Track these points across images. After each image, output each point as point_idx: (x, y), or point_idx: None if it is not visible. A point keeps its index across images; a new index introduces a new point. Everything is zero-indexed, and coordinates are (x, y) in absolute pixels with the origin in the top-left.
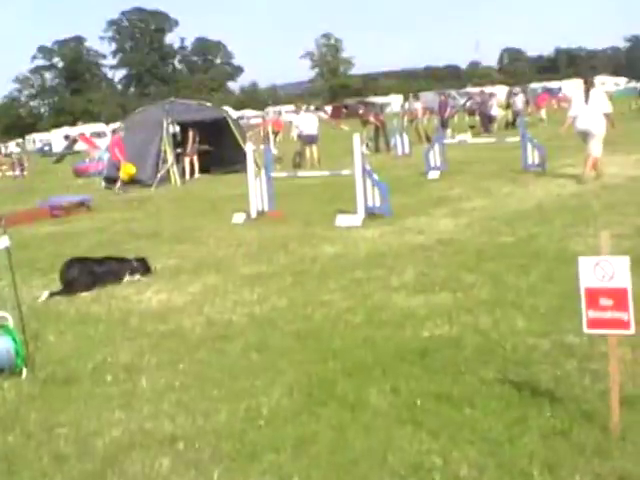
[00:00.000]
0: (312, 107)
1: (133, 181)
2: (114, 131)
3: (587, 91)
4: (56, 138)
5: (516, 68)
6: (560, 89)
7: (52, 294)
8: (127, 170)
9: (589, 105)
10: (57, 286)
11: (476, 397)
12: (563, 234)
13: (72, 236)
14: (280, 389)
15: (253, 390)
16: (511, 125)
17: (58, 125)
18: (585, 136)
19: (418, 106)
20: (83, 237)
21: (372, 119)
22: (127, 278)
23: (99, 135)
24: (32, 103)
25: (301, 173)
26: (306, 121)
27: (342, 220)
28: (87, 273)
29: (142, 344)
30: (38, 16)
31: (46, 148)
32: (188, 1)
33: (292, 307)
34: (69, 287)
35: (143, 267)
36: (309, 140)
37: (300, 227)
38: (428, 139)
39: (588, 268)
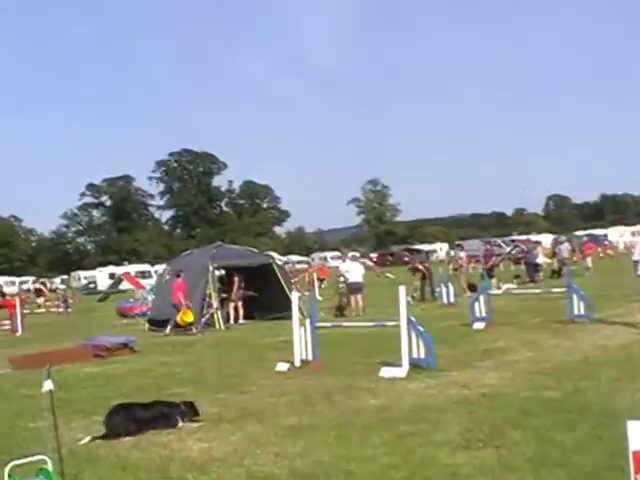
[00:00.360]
0: (357, 254)
1: (177, 325)
2: (178, 275)
3: None
4: (101, 276)
5: (562, 215)
6: (606, 236)
7: (94, 438)
8: (186, 317)
9: None
10: (99, 429)
11: None
12: (610, 389)
13: (114, 378)
14: None
15: None
16: (557, 274)
17: (104, 263)
18: None
19: (462, 255)
20: (125, 380)
21: (420, 267)
22: (181, 424)
23: (144, 275)
24: (79, 240)
25: (346, 323)
26: (352, 269)
27: (386, 372)
28: (131, 420)
29: None
30: (88, 154)
31: (91, 285)
32: (236, 144)
33: (335, 461)
34: (111, 433)
35: (191, 411)
36: (355, 288)
37: (344, 378)
38: (472, 288)
39: (637, 431)
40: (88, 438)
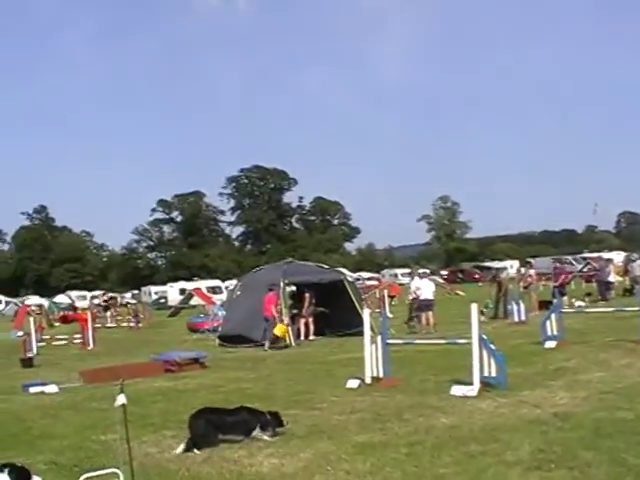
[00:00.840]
0: (427, 271)
1: (246, 340)
2: (271, 289)
3: None
4: (172, 291)
5: (633, 232)
6: None
7: (186, 450)
8: (282, 330)
9: None
10: (170, 444)
11: None
12: None
13: (184, 393)
14: None
15: None
16: (629, 292)
17: (174, 278)
18: None
19: (532, 272)
20: (195, 395)
21: (503, 282)
22: (257, 432)
23: (215, 290)
24: (149, 255)
25: (417, 340)
26: (423, 286)
27: (457, 390)
28: (214, 426)
29: None
30: (159, 170)
31: (162, 300)
32: (307, 160)
33: None
34: (195, 441)
35: (276, 421)
36: (426, 305)
37: (415, 395)
38: (543, 306)
39: None
40: (180, 449)
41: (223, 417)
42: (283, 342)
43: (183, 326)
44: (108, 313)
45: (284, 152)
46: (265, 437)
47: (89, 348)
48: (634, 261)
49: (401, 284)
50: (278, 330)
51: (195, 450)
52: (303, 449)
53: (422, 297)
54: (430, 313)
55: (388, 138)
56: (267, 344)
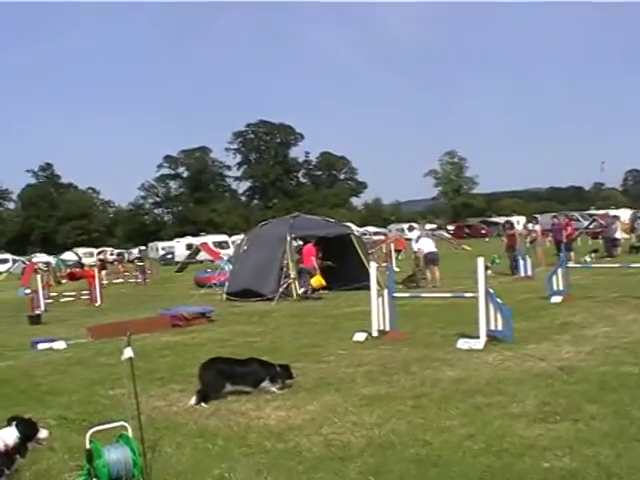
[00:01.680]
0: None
1: (254, 295)
2: (307, 241)
3: None
4: (179, 247)
5: None
6: None
7: (197, 402)
8: (318, 281)
9: None
10: (177, 397)
11: None
12: None
13: (192, 347)
14: None
15: None
16: (636, 250)
17: (181, 234)
18: None
19: (537, 228)
20: (203, 349)
21: (517, 237)
22: (265, 383)
23: (221, 245)
24: (156, 211)
25: (424, 294)
26: (423, 243)
27: (463, 343)
28: (224, 375)
29: (260, 461)
30: (165, 126)
31: (169, 256)
32: (313, 115)
33: (411, 431)
34: (204, 390)
35: (286, 374)
36: (431, 259)
37: (421, 348)
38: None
39: None
40: (193, 401)
41: (234, 367)
42: (316, 292)
43: (190, 281)
44: (104, 272)
45: (291, 107)
46: (273, 389)
47: (97, 304)
48: None
49: (407, 239)
50: (315, 281)
51: (202, 404)
52: (310, 401)
53: (426, 251)
54: (436, 267)
55: (395, 93)
56: (301, 290)
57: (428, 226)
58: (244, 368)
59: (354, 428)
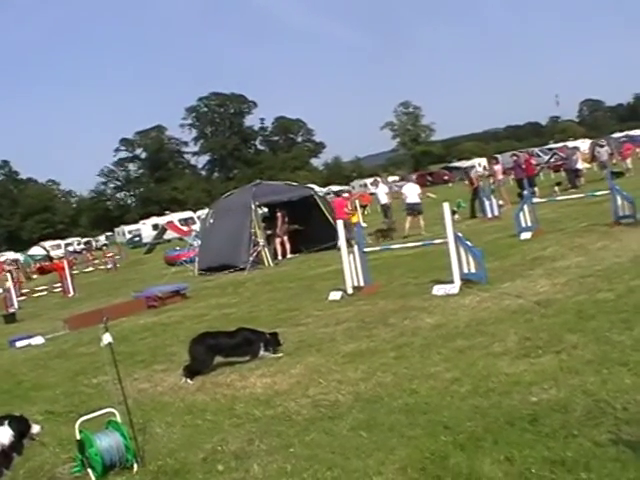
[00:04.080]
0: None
1: (226, 267)
2: (338, 194)
3: None
4: (145, 228)
5: (596, 119)
6: None
7: (186, 376)
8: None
9: None
10: (161, 378)
11: (591, 460)
12: None
13: (170, 326)
14: (393, 466)
15: (366, 469)
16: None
17: (146, 215)
18: None
19: (497, 168)
20: (181, 326)
21: (475, 180)
22: (262, 352)
23: (187, 222)
24: (118, 195)
25: (394, 245)
26: (407, 190)
27: (439, 289)
28: (217, 350)
29: (251, 430)
30: (118, 110)
31: (136, 239)
32: (264, 81)
33: (397, 382)
34: (195, 366)
35: (275, 341)
36: (412, 208)
37: (397, 300)
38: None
39: None
40: (183, 379)
41: (224, 340)
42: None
43: (160, 261)
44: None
45: (240, 76)
46: (270, 355)
47: (70, 295)
48: (602, 146)
49: (372, 194)
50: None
51: (188, 380)
52: (293, 365)
53: (408, 201)
54: (420, 216)
55: (344, 47)
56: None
57: (390, 178)
58: (235, 339)
59: (340, 386)
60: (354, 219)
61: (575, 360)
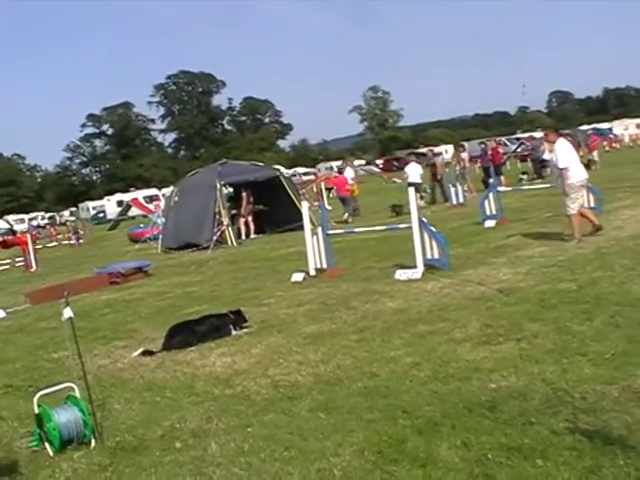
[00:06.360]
0: (363, 162)
1: (189, 245)
2: (340, 171)
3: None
4: (110, 205)
5: (565, 110)
6: (611, 130)
7: (145, 352)
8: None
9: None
10: (121, 354)
11: (547, 448)
12: (624, 277)
13: (131, 303)
14: (350, 449)
15: (324, 451)
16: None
17: (111, 192)
18: None
19: (464, 156)
20: (142, 303)
21: (437, 165)
22: (234, 332)
23: (152, 199)
24: (84, 171)
25: (357, 229)
26: (410, 170)
27: (402, 274)
28: (189, 334)
29: (209, 409)
30: (85, 85)
31: (100, 215)
32: (233, 61)
33: (357, 365)
34: (169, 346)
35: (240, 319)
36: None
37: (360, 283)
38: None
39: None
40: (140, 350)
41: (193, 329)
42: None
43: (124, 238)
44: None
45: (209, 55)
46: (242, 332)
47: (32, 270)
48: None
49: (336, 177)
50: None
51: (149, 356)
52: (254, 345)
53: (409, 180)
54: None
55: (314, 30)
56: (346, 215)
57: (357, 162)
58: (204, 327)
59: (300, 367)
60: (356, 193)
61: (535, 349)
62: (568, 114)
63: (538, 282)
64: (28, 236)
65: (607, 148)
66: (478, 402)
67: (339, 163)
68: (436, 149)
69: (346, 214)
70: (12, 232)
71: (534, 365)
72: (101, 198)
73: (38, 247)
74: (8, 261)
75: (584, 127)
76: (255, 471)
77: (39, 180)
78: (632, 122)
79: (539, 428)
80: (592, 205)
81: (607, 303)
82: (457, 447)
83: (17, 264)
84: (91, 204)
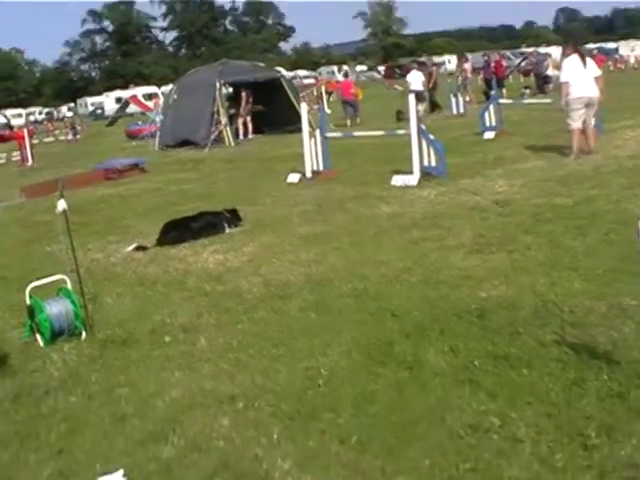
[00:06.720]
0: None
1: (187, 143)
2: (346, 75)
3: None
4: (108, 101)
5: (571, 28)
6: (617, 50)
7: (139, 247)
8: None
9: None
10: (115, 249)
11: (534, 358)
12: (621, 196)
13: (127, 199)
14: (338, 349)
15: (312, 350)
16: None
17: (110, 88)
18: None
19: (467, 67)
20: (138, 199)
21: (434, 74)
22: (227, 230)
23: (151, 97)
24: (83, 67)
25: (356, 133)
26: (412, 78)
27: (398, 180)
28: (185, 230)
29: (200, 305)
30: None
31: (98, 111)
32: None
33: (349, 267)
34: (163, 241)
35: (235, 217)
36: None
37: (356, 187)
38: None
39: None
40: (133, 246)
41: (189, 225)
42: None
43: (121, 135)
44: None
45: None
46: (236, 230)
47: (28, 164)
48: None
49: (338, 81)
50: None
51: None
52: (247, 244)
53: (411, 88)
54: (420, 104)
55: None
56: (349, 122)
57: (359, 67)
58: (198, 223)
59: (292, 267)
60: (360, 96)
61: (527, 260)
62: (575, 32)
63: (534, 195)
64: (25, 131)
65: (612, 68)
66: (467, 309)
67: (341, 67)
68: (439, 59)
69: (349, 119)
70: (9, 127)
71: (525, 276)
72: (100, 94)
73: (35, 142)
74: (4, 155)
75: (590, 45)
76: (243, 367)
77: (38, 75)
78: (639, 43)
79: (526, 338)
80: (594, 123)
81: (602, 220)
82: (444, 352)
83: (13, 158)
84: (89, 100)
